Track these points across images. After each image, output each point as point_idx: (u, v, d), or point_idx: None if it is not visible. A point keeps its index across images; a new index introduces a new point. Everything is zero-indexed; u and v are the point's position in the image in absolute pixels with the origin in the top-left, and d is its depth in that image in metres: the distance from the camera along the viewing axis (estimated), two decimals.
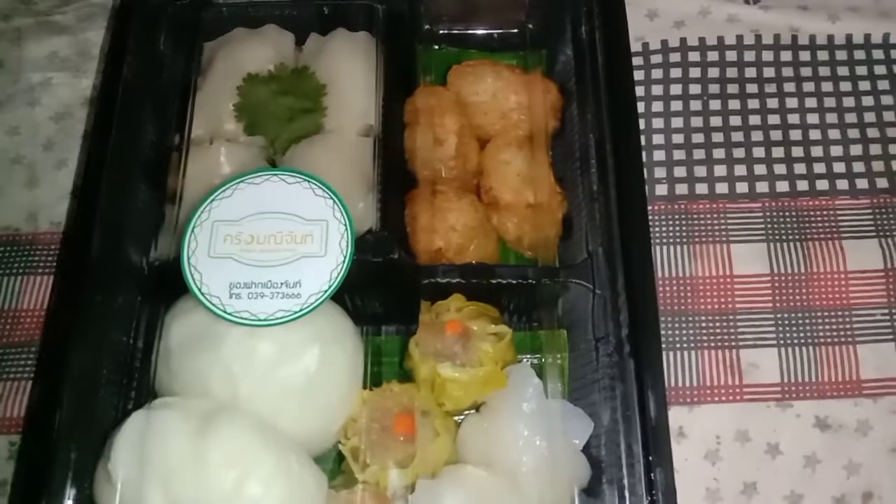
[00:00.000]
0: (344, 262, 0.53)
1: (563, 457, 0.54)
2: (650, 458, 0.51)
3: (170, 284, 0.56)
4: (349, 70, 0.66)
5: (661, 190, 0.71)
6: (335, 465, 0.58)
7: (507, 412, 0.55)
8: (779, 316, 0.66)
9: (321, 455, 0.56)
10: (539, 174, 0.63)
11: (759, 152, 0.73)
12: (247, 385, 0.52)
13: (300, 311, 0.52)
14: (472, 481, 0.53)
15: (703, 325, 0.66)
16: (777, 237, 0.69)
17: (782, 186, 0.71)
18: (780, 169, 0.72)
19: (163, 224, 0.60)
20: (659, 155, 0.72)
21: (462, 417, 0.58)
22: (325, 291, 0.52)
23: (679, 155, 0.72)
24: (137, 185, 0.62)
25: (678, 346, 0.65)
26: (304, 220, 0.54)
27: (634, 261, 0.57)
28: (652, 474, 0.51)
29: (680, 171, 0.72)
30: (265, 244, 0.54)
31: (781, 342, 0.65)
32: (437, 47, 0.71)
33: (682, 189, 0.71)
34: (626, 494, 0.51)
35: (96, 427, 0.54)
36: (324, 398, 0.53)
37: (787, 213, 0.70)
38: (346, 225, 0.54)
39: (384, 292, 0.58)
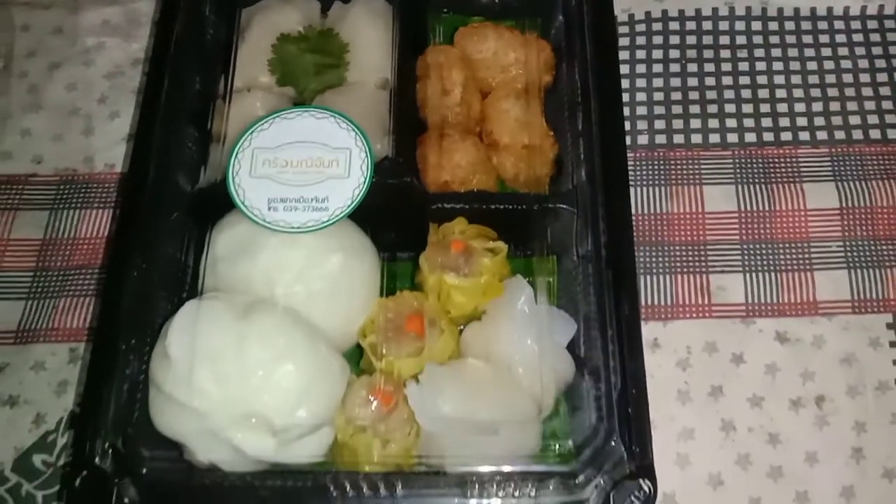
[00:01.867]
0: (364, 182, 0.62)
1: (550, 353, 0.62)
2: (623, 347, 0.60)
3: (215, 205, 0.65)
4: (369, 31, 0.75)
5: (643, 140, 0.80)
6: (356, 368, 0.67)
7: (503, 316, 0.64)
8: (745, 246, 0.75)
9: (344, 353, 0.66)
10: (533, 120, 0.72)
11: (730, 108, 0.81)
12: (281, 285, 0.61)
13: (328, 221, 0.61)
14: (471, 369, 0.62)
15: (677, 253, 0.74)
16: (745, 180, 0.78)
17: (750, 137, 0.80)
18: (748, 122, 0.81)
19: (208, 159, 0.70)
20: (641, 110, 0.81)
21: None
22: (349, 206, 0.62)
23: (659, 110, 0.81)
24: (186, 127, 0.72)
25: (654, 271, 0.74)
26: (330, 148, 0.64)
27: (613, 189, 0.66)
28: (624, 362, 0.60)
29: (660, 124, 0.81)
30: (298, 168, 0.63)
31: (747, 269, 0.74)
32: (445, 12, 0.80)
33: (661, 139, 0.80)
34: (602, 380, 0.60)
35: (152, 324, 0.63)
36: (346, 299, 0.63)
37: (754, 160, 0.79)
38: (366, 152, 0.63)
39: (398, 215, 0.67)
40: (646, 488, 0.54)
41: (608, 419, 0.57)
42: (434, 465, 0.58)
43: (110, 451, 0.57)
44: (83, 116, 0.82)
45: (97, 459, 0.56)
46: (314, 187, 0.62)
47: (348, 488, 0.56)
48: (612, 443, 0.55)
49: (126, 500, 0.56)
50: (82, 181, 0.79)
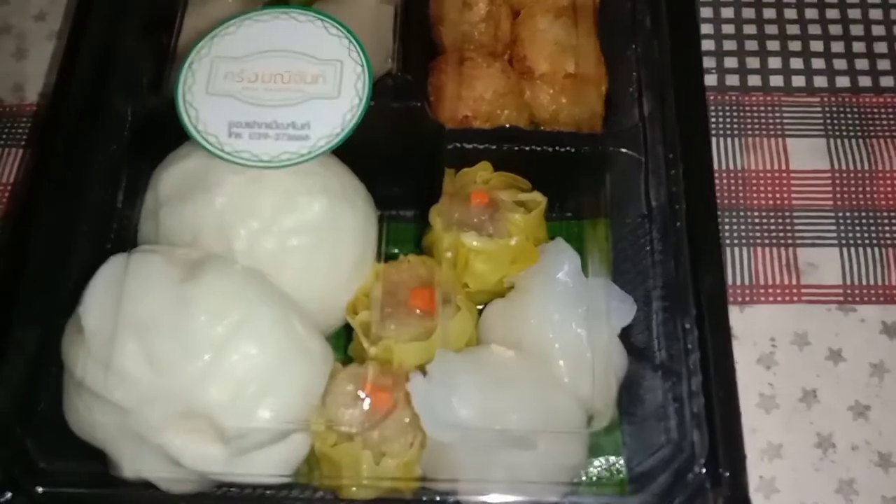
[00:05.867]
0: (360, 104, 0.47)
1: (604, 341, 0.47)
2: (705, 335, 0.45)
3: (163, 135, 0.50)
4: None
5: (710, 80, 0.64)
6: (342, 355, 0.52)
7: (538, 290, 0.49)
8: (840, 214, 0.59)
9: (327, 337, 0.50)
10: (581, 43, 0.56)
11: (816, 46, 0.66)
12: (243, 238, 0.45)
13: (308, 153, 0.45)
14: (497, 360, 0.47)
15: (756, 220, 0.59)
16: (838, 133, 0.62)
17: (843, 81, 0.64)
18: (839, 64, 0.65)
19: (163, 82, 0.54)
20: (708, 45, 0.65)
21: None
22: (338, 135, 0.46)
23: (730, 45, 0.66)
24: (136, 41, 0.55)
25: (728, 242, 0.58)
26: (315, 59, 0.48)
27: (689, 128, 0.50)
28: (707, 354, 0.44)
29: (730, 62, 0.65)
30: (270, 83, 0.47)
31: (843, 242, 0.58)
32: None
33: (732, 80, 0.64)
34: (677, 380, 0.44)
35: (70, 290, 0.47)
36: (330, 260, 0.47)
37: (848, 109, 0.63)
38: (363, 66, 0.48)
39: (403, 155, 0.51)
40: None
41: (688, 433, 0.41)
42: (443, 491, 0.43)
43: None
44: (15, 35, 0.67)
45: None
46: (292, 109, 0.46)
47: None
48: (696, 467, 0.40)
49: None
50: (9, 114, 0.64)
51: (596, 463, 0.46)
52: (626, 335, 0.48)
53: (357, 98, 0.47)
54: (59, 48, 0.66)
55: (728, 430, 0.42)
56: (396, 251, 0.54)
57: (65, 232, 0.48)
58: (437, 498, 0.43)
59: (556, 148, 0.51)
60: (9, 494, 0.40)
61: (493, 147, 0.51)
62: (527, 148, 0.51)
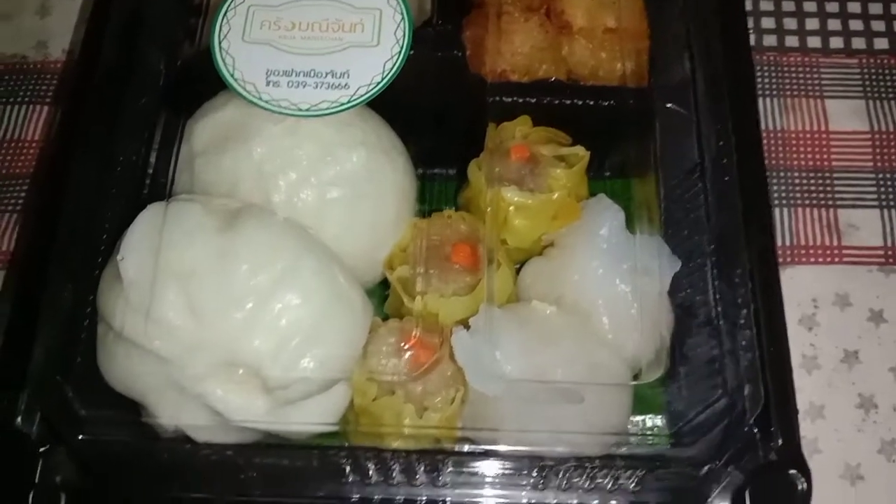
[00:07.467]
0: (400, 53, 0.46)
1: (649, 298, 0.46)
2: (756, 291, 0.44)
3: (197, 86, 0.49)
4: None
5: None
6: (378, 311, 0.51)
7: (581, 246, 0.48)
8: (881, 176, 0.58)
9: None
10: None
11: (854, 7, 0.65)
12: (282, 190, 0.44)
13: (348, 102, 0.44)
14: (539, 315, 0.46)
15: (797, 181, 0.58)
16: (877, 94, 0.61)
17: (881, 43, 0.63)
18: (878, 26, 0.64)
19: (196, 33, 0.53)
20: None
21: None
22: (378, 84, 0.45)
23: (766, 5, 0.65)
24: None
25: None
26: (353, 7, 0.47)
27: (736, 85, 0.49)
28: (758, 310, 0.43)
29: (768, 22, 0.64)
30: (308, 31, 0.46)
31: (884, 203, 0.57)
32: None
33: (770, 40, 0.63)
34: (727, 336, 0.43)
35: (104, 242, 0.47)
36: (369, 213, 0.46)
37: (886, 71, 0.62)
38: (402, 14, 0.47)
39: (441, 108, 0.50)
40: (799, 485, 0.38)
41: (741, 387, 0.40)
42: (485, 439, 0.42)
43: (36, 410, 0.41)
44: None
45: (18, 421, 0.41)
46: (331, 57, 0.45)
47: (371, 471, 0.41)
48: (748, 421, 0.40)
49: (57, 479, 0.40)
50: (33, 70, 0.63)
51: (639, 418, 0.46)
52: (673, 291, 0.47)
53: (397, 46, 0.46)
54: (85, 3, 0.66)
55: (779, 384, 0.41)
56: (430, 208, 0.53)
57: (98, 186, 0.46)
58: (481, 449, 0.43)
59: (601, 102, 0.50)
60: (50, 443, 0.39)
61: (533, 101, 0.50)
62: (568, 102, 0.50)
